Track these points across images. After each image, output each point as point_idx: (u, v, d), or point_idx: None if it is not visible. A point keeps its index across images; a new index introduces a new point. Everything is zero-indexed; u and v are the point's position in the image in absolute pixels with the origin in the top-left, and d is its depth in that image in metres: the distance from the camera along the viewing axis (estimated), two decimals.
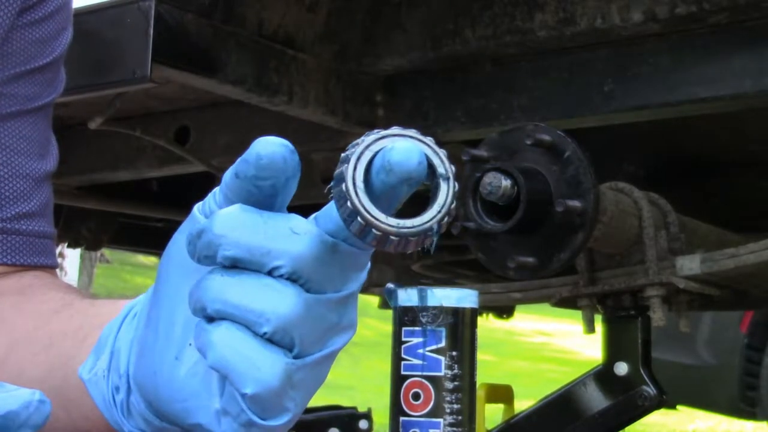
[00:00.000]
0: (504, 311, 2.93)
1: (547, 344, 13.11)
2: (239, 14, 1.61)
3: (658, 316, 1.55)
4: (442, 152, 0.55)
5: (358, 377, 9.01)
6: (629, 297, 1.59)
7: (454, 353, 0.74)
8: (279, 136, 0.57)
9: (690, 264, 1.56)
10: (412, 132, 0.55)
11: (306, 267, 0.57)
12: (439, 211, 0.55)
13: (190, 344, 0.63)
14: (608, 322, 1.61)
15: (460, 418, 0.74)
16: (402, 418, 0.74)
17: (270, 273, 0.57)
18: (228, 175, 0.60)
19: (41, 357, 0.79)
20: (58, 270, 1.00)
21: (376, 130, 0.55)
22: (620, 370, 1.57)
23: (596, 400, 1.59)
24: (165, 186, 2.46)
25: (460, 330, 0.74)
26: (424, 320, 0.74)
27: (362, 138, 0.54)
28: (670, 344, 4.86)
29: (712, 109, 1.63)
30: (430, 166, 0.54)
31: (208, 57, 1.58)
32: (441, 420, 0.74)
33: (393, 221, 0.53)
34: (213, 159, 2.04)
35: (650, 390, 1.55)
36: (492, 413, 1.85)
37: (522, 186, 1.35)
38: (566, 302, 1.70)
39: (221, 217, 0.58)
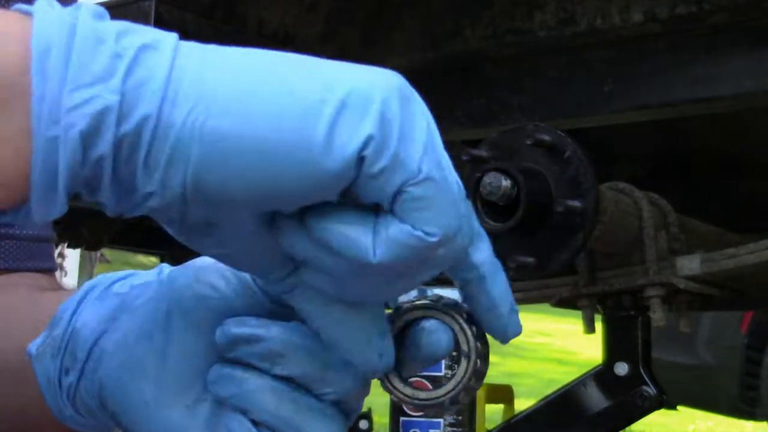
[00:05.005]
0: None
1: (547, 344, 13.10)
2: (239, 14, 1.61)
3: (658, 316, 1.55)
4: (472, 329, 0.58)
5: None
6: (629, 297, 1.59)
7: (454, 353, 0.75)
8: None
9: (690, 264, 1.56)
10: (451, 300, 0.57)
11: (351, 398, 0.61)
12: (454, 388, 0.58)
13: (205, 400, 0.62)
14: (608, 322, 1.61)
15: (460, 418, 0.74)
16: (402, 418, 0.74)
17: (317, 396, 0.60)
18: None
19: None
20: (58, 270, 0.99)
21: (416, 293, 0.58)
22: (620, 370, 1.57)
23: (596, 400, 1.59)
24: None
25: None
26: None
27: (402, 303, 0.58)
28: (670, 344, 4.86)
29: (712, 109, 1.62)
30: (456, 342, 0.58)
31: None
32: (441, 420, 0.74)
33: (410, 392, 0.58)
34: None
35: (650, 390, 1.55)
36: (492, 413, 1.85)
37: (522, 186, 1.35)
38: (566, 302, 1.69)
39: (284, 336, 0.60)
